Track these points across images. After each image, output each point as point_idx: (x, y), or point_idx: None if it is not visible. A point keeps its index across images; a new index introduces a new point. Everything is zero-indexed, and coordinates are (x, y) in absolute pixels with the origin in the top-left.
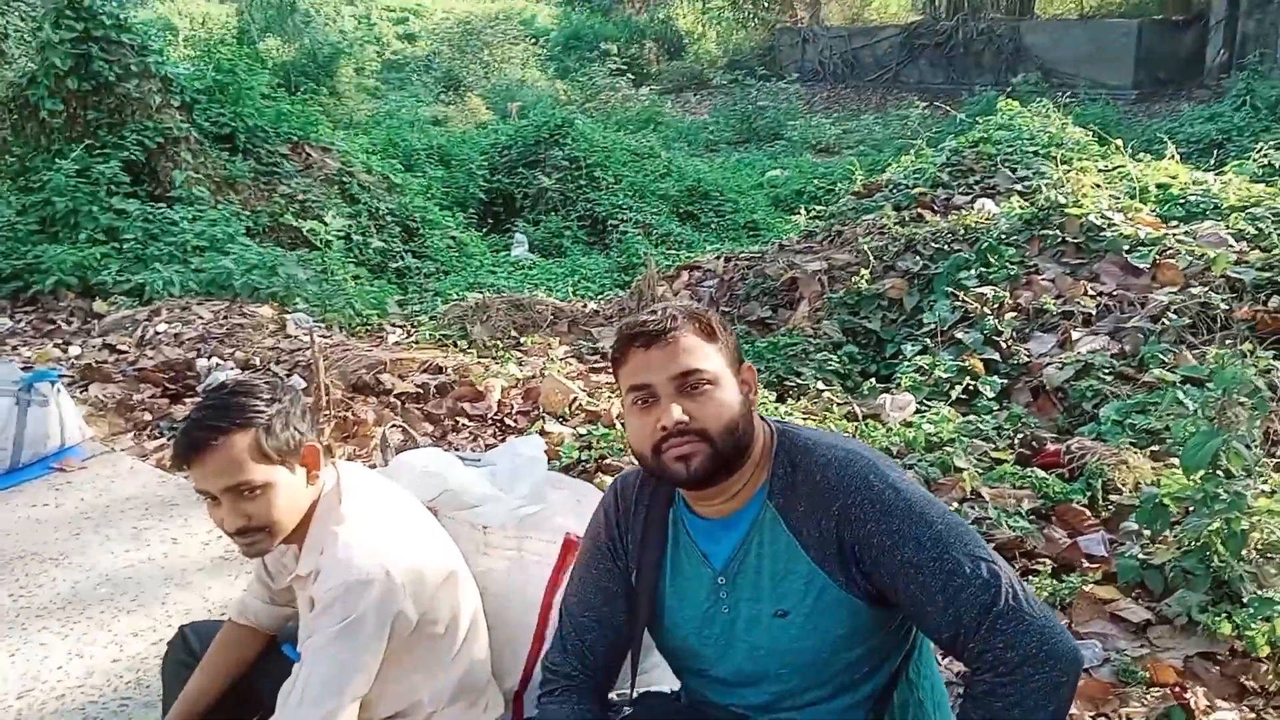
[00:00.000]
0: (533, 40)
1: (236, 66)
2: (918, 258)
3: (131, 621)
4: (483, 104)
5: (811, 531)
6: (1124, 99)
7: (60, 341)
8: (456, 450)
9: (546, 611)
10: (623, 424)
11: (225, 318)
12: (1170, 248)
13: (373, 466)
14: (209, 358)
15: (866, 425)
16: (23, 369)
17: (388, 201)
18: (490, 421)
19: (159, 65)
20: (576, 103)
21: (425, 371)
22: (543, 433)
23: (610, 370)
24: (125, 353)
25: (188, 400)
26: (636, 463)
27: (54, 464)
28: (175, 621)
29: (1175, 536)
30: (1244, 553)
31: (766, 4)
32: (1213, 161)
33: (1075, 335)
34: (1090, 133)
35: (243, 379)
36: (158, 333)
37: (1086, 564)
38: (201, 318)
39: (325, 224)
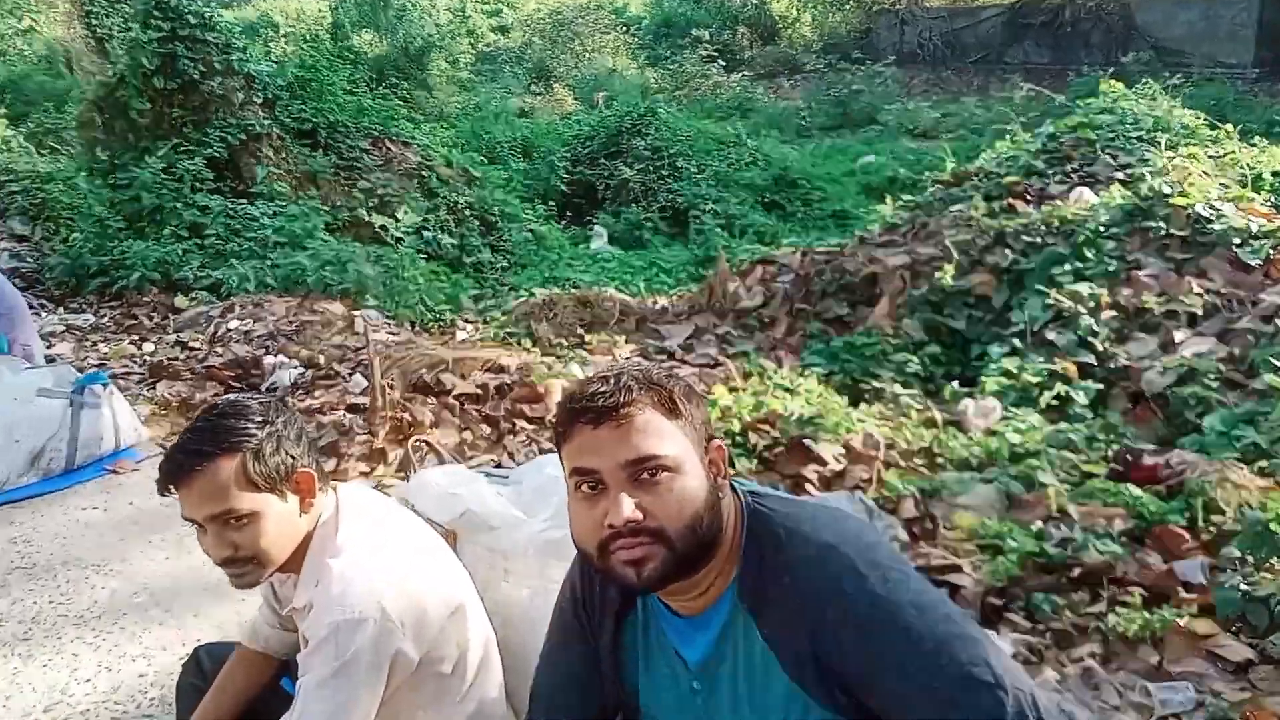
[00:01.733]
0: (624, 28)
1: (319, 63)
2: (1008, 252)
3: (162, 635)
4: (569, 94)
5: (786, 643)
6: (1243, 78)
7: (137, 338)
8: (484, 465)
9: None
10: None
11: (296, 314)
12: None
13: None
14: (276, 355)
15: (947, 433)
16: (77, 371)
17: (467, 195)
18: (548, 424)
19: (242, 63)
20: (666, 91)
21: (487, 371)
22: None
23: (554, 438)
24: (197, 349)
25: None
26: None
27: (108, 465)
28: (206, 636)
29: None
30: None
31: None
32: None
33: (1179, 337)
34: (1202, 116)
35: (236, 399)
36: (230, 329)
37: (1183, 593)
38: (274, 314)
39: (396, 220)
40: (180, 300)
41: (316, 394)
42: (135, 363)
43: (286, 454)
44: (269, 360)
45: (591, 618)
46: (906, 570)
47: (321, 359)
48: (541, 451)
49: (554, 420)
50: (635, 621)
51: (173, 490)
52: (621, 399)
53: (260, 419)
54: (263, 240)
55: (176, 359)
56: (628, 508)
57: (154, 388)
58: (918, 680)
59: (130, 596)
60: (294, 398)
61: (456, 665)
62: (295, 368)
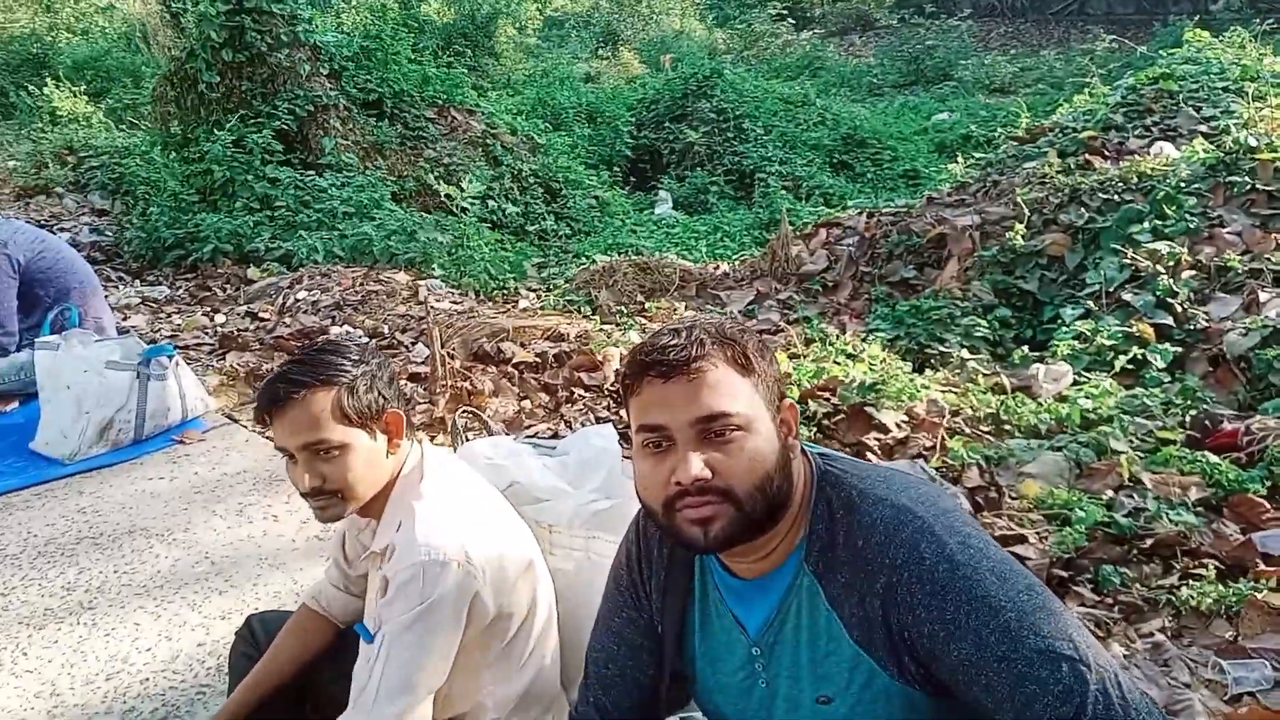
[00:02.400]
0: None
1: (384, 31)
2: (1083, 210)
3: (222, 603)
4: (636, 57)
5: (854, 608)
6: None
7: (210, 310)
8: (529, 436)
9: None
10: None
11: (363, 284)
12: None
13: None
14: (341, 325)
15: (1015, 399)
16: (146, 344)
17: (531, 162)
18: (606, 393)
19: (308, 34)
20: (734, 51)
21: (547, 339)
22: None
23: (620, 392)
24: (266, 320)
25: None
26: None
27: (175, 436)
28: (262, 605)
29: None
30: None
31: None
32: None
33: (1263, 297)
34: None
35: (333, 339)
36: (298, 300)
37: (1262, 565)
38: (340, 284)
39: (461, 189)
40: (252, 272)
41: None
42: (207, 334)
43: (379, 394)
44: (334, 330)
45: (647, 582)
46: (985, 537)
47: (385, 328)
48: (597, 420)
49: (622, 372)
50: (693, 585)
51: (269, 419)
52: (693, 353)
53: (357, 358)
54: (331, 211)
55: (246, 330)
56: (696, 465)
57: (223, 358)
58: (997, 650)
59: (192, 566)
60: None
61: (522, 627)
62: (360, 337)
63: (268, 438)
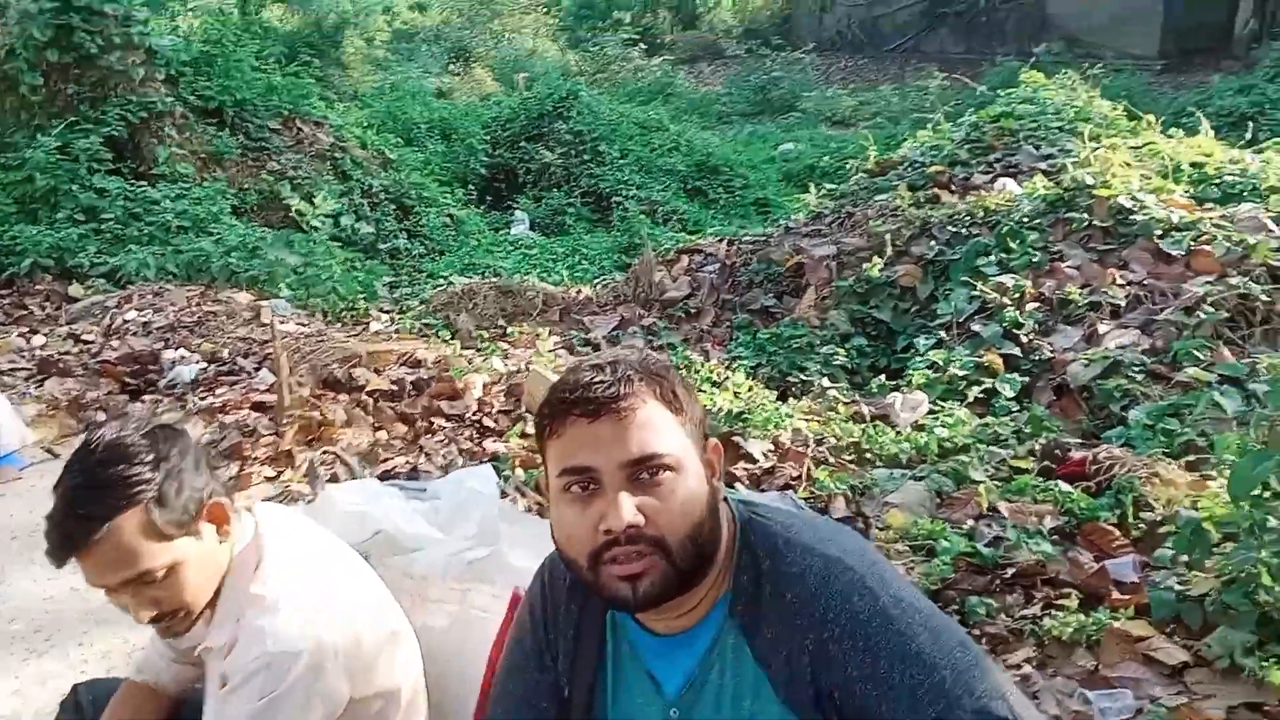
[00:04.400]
0: (544, 10)
1: (225, 37)
2: (933, 242)
3: (40, 667)
4: (489, 75)
5: (780, 664)
6: (1149, 69)
7: (27, 330)
8: (414, 478)
9: (492, 676)
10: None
11: (199, 304)
12: (1206, 233)
13: (308, 501)
14: (175, 349)
15: (875, 428)
16: None
17: (383, 178)
18: (468, 422)
19: (143, 36)
20: (587, 74)
21: (403, 365)
22: (524, 435)
23: (536, 432)
24: (91, 343)
25: (146, 398)
26: (565, 565)
27: None
28: (90, 668)
29: (1216, 565)
30: None
31: None
32: (1248, 137)
33: (1103, 329)
34: (1119, 106)
35: (115, 436)
36: (126, 321)
37: (1116, 594)
38: (174, 304)
39: (313, 205)
40: (75, 289)
41: (219, 391)
42: (23, 357)
43: (191, 489)
44: (168, 355)
45: (554, 643)
46: (915, 591)
47: (225, 352)
48: (461, 453)
49: (540, 411)
50: (604, 644)
51: (69, 561)
52: (622, 390)
53: (153, 458)
54: (164, 225)
55: (68, 353)
56: (629, 510)
57: (42, 385)
58: (931, 710)
59: (8, 624)
60: (194, 395)
61: (385, 707)
62: (196, 363)
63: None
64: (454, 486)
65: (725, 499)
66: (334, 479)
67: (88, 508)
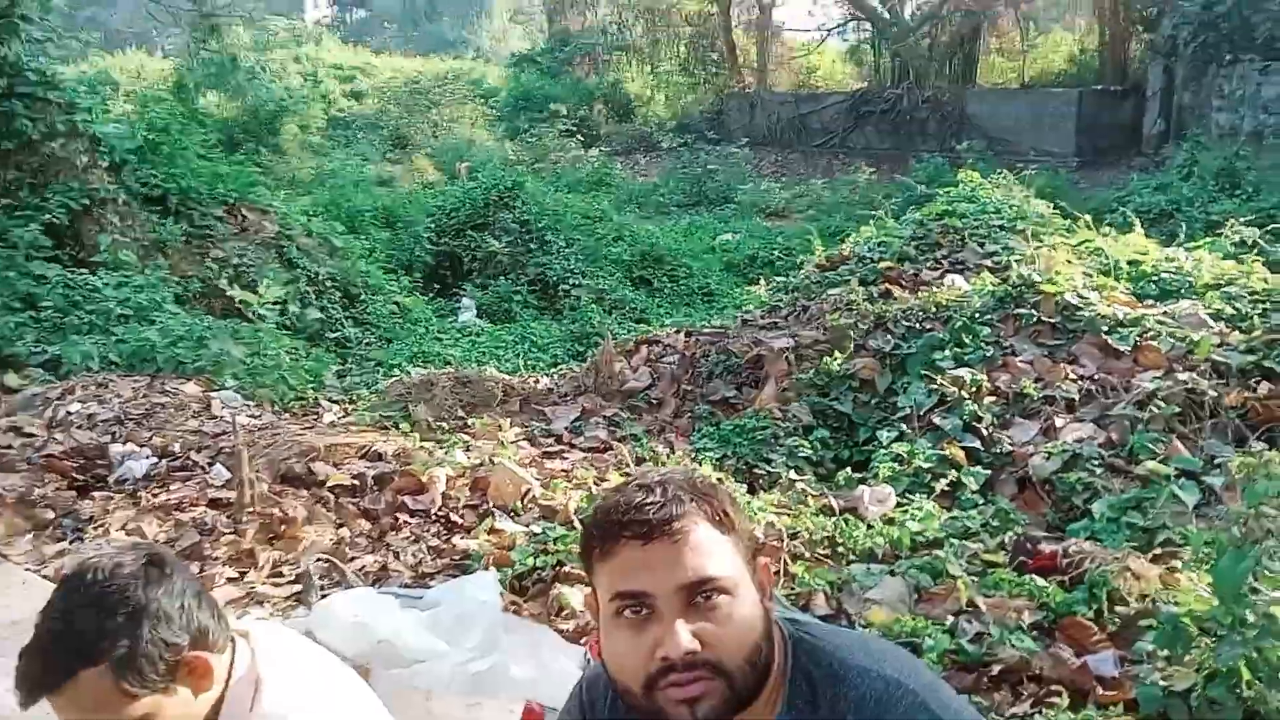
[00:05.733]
0: (482, 100)
1: (170, 125)
2: (889, 336)
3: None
4: (430, 164)
5: None
6: (1065, 166)
7: None
8: (385, 577)
9: None
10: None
11: (145, 395)
12: (1151, 329)
13: (296, 599)
14: (124, 443)
15: (846, 521)
16: None
17: (328, 266)
18: (434, 518)
19: (87, 124)
20: (526, 163)
21: (363, 458)
22: (492, 531)
23: (583, 553)
24: (33, 436)
25: (96, 494)
26: (614, 688)
27: None
28: None
29: (1197, 659)
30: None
31: (715, 69)
32: (1178, 234)
33: (1059, 422)
34: (1054, 205)
35: (100, 582)
36: (70, 413)
37: (1099, 688)
38: (120, 395)
39: (259, 295)
40: (11, 378)
41: (173, 488)
42: None
43: (166, 646)
44: (116, 449)
45: None
46: (971, 708)
47: (176, 447)
48: (429, 550)
49: (588, 533)
50: None
51: (35, 703)
52: (674, 511)
53: (125, 611)
54: (106, 313)
55: (10, 447)
56: (686, 638)
57: None
58: None
59: None
60: (148, 493)
61: None
62: (147, 457)
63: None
64: (454, 594)
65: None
66: (327, 580)
67: (59, 655)
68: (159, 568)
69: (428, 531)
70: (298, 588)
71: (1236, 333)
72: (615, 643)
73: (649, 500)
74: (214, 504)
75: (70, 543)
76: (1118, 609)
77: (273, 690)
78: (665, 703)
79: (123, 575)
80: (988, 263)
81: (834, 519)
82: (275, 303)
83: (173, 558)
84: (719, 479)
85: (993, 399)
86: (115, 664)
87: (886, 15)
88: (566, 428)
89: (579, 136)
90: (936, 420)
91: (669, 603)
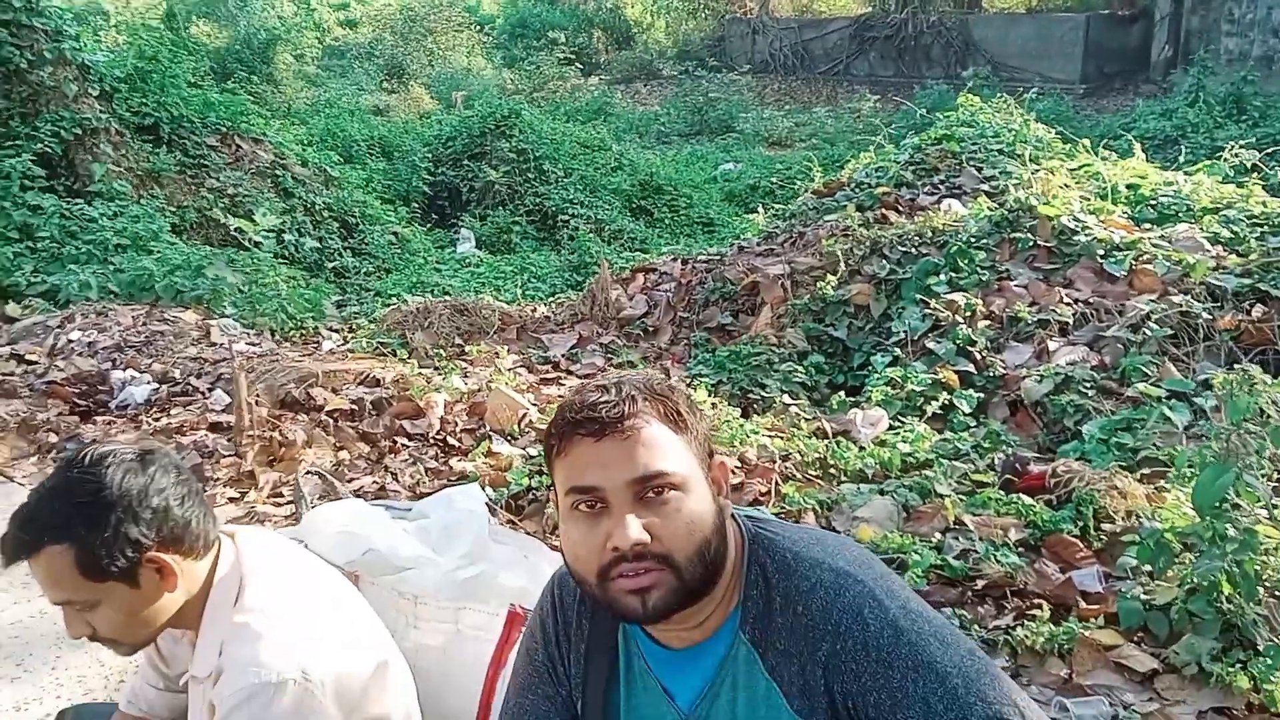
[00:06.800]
0: (478, 28)
1: (160, 53)
2: (884, 261)
3: (14, 692)
4: (426, 93)
5: (794, 677)
6: (1072, 93)
7: None
8: (384, 498)
9: (489, 697)
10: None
11: (145, 324)
12: (1146, 253)
13: (295, 519)
14: (124, 369)
15: (838, 443)
16: None
17: (325, 196)
18: (432, 441)
19: (75, 51)
20: (524, 92)
21: (361, 384)
22: (489, 454)
23: (545, 452)
24: (35, 364)
25: (98, 419)
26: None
27: None
28: (65, 693)
29: (1178, 574)
30: (1257, 596)
31: None
32: (1180, 160)
33: (1052, 345)
34: (1054, 130)
35: (80, 472)
36: (71, 341)
37: (1083, 604)
38: (120, 324)
39: (255, 222)
40: (12, 308)
41: (173, 412)
42: None
43: (128, 541)
44: (116, 375)
45: (565, 656)
46: (922, 601)
47: (176, 373)
48: (427, 472)
49: (547, 431)
50: (617, 658)
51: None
52: (627, 409)
53: (98, 499)
54: (103, 243)
55: (12, 374)
56: (635, 529)
57: None
58: (945, 718)
59: None
60: (148, 417)
61: None
62: (148, 383)
63: None
64: (443, 505)
65: (732, 514)
66: (324, 497)
67: (27, 529)
68: (144, 464)
69: (425, 454)
70: None
71: (1234, 256)
72: (571, 536)
73: (603, 399)
74: (214, 428)
75: None
76: (1104, 526)
77: (255, 588)
78: (617, 592)
79: (104, 466)
80: (985, 187)
81: (826, 441)
82: (272, 232)
83: (167, 458)
84: (713, 404)
85: (987, 323)
86: (76, 547)
87: None
88: (563, 355)
89: (577, 65)
90: (930, 345)
91: (620, 496)
